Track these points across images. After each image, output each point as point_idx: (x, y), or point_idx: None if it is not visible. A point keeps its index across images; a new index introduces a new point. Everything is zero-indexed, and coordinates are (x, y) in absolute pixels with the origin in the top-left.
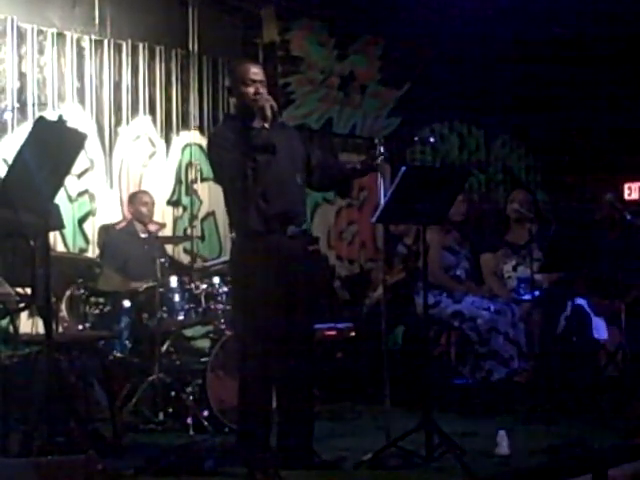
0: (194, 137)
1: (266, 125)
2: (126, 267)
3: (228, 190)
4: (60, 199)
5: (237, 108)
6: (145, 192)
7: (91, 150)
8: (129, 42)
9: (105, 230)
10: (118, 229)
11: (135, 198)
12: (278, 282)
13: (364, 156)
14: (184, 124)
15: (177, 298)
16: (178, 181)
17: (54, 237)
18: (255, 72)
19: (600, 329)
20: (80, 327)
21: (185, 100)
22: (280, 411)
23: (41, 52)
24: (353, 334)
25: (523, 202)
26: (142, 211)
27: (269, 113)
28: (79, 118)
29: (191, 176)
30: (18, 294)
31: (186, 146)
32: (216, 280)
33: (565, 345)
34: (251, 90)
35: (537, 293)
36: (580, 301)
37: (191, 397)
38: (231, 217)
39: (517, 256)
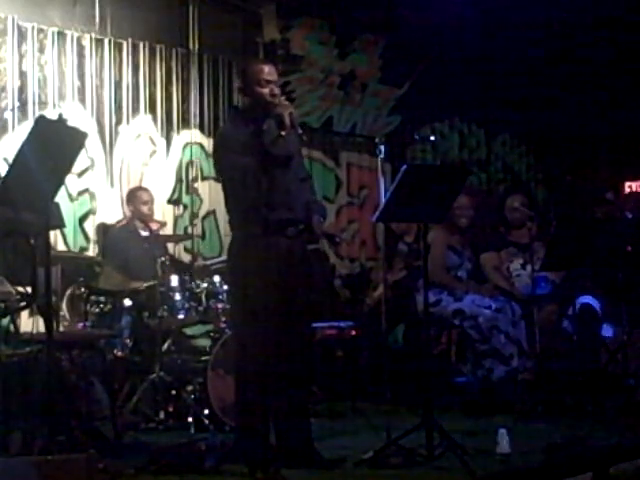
0: (195, 136)
1: (283, 133)
2: (127, 266)
3: (231, 192)
4: (61, 198)
5: (248, 108)
6: (144, 189)
7: (92, 149)
8: (129, 41)
9: (104, 229)
10: (118, 228)
11: (134, 197)
12: (277, 282)
13: (365, 155)
14: (184, 123)
15: (178, 297)
16: (179, 180)
17: (55, 236)
18: (269, 72)
19: (607, 328)
20: (81, 326)
21: (185, 99)
22: (277, 410)
23: (42, 51)
24: (354, 333)
25: (521, 203)
26: (143, 210)
27: (288, 121)
28: (80, 117)
29: (192, 175)
30: (19, 293)
31: (187, 145)
32: (217, 279)
33: (568, 344)
34: (266, 91)
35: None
36: (588, 300)
37: (192, 396)
38: (231, 217)
39: (524, 254)
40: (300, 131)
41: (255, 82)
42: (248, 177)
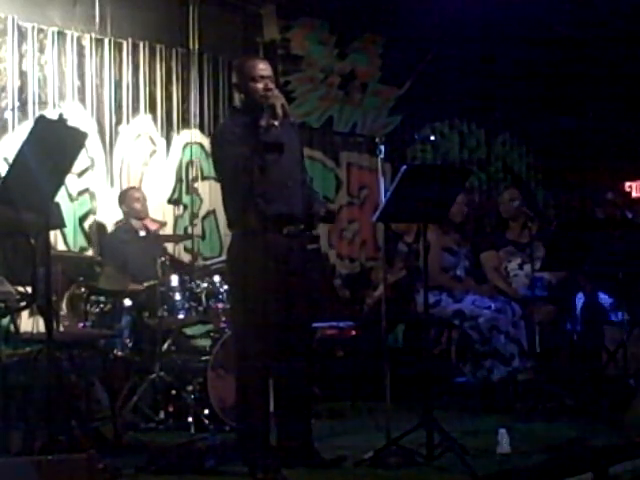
0: (195, 136)
1: (276, 123)
2: (126, 266)
3: (228, 186)
4: (61, 198)
5: (244, 104)
6: (135, 188)
7: (92, 149)
8: (130, 41)
9: (103, 229)
10: (117, 228)
11: (126, 196)
12: (276, 281)
13: (365, 155)
14: (185, 123)
15: (178, 297)
16: (179, 180)
17: (55, 236)
18: (263, 68)
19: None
20: (81, 326)
21: (185, 99)
22: (277, 410)
23: (42, 51)
24: (354, 333)
25: (518, 199)
26: (136, 208)
27: (280, 111)
28: (80, 117)
29: (192, 175)
30: (19, 293)
31: (187, 145)
32: (217, 279)
33: (568, 344)
34: (260, 86)
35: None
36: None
37: (192, 396)
38: (228, 215)
39: (522, 254)
40: (292, 119)
41: (249, 78)
42: (240, 164)
